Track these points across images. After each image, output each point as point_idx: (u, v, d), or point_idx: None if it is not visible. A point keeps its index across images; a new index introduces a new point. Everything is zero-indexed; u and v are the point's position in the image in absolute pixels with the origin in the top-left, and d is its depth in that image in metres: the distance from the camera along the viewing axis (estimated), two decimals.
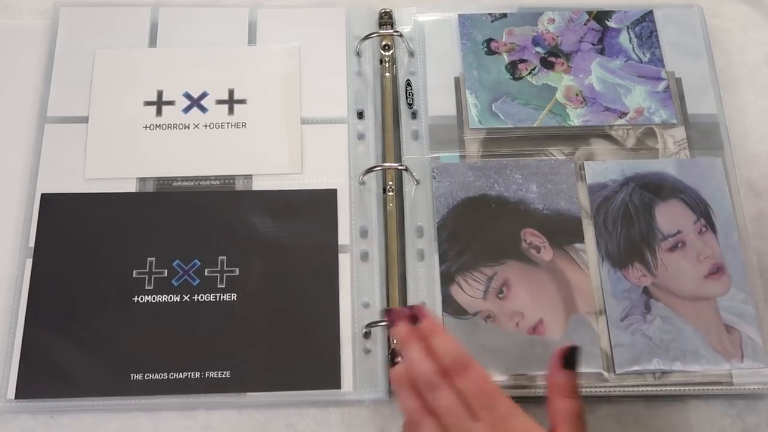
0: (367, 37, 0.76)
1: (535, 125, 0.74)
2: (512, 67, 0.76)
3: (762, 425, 0.65)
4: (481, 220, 0.69)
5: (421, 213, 0.70)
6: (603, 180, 0.71)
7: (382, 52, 0.77)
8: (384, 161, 0.73)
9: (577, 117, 0.74)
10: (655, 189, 0.70)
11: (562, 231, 0.69)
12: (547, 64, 0.76)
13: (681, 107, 0.75)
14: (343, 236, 0.70)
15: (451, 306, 0.66)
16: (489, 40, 0.77)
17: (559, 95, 0.75)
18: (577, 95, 0.75)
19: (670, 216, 0.69)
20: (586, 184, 0.71)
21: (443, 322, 0.66)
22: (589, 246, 0.69)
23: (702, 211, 0.70)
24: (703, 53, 0.78)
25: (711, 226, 0.69)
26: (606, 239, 0.69)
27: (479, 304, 0.66)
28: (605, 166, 0.72)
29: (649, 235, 0.69)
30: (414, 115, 0.74)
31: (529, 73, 0.76)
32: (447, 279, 0.67)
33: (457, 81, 0.76)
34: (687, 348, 0.65)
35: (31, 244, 0.68)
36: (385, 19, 0.79)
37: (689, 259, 0.68)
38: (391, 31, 0.77)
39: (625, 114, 0.74)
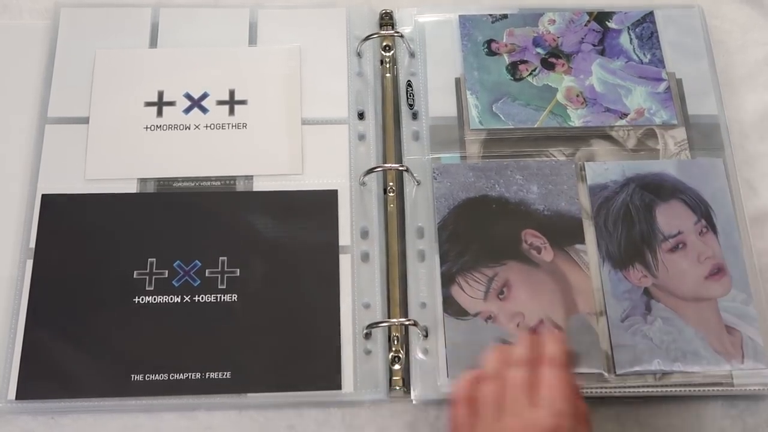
0: (367, 38, 0.76)
1: (535, 126, 0.73)
2: (513, 68, 0.76)
3: (762, 426, 0.65)
4: (482, 220, 0.69)
5: (422, 214, 0.70)
6: (604, 181, 0.71)
7: (382, 52, 0.77)
8: (385, 162, 0.73)
9: (577, 118, 0.74)
10: (655, 190, 0.70)
11: (563, 232, 0.69)
12: (547, 65, 0.76)
13: (681, 108, 0.75)
14: (344, 237, 0.70)
15: (451, 307, 0.66)
16: (490, 41, 0.77)
17: (559, 96, 0.75)
18: (577, 96, 0.75)
19: (670, 217, 0.69)
20: (587, 185, 0.71)
21: (444, 323, 0.66)
22: (590, 247, 0.69)
23: (703, 211, 0.70)
24: (703, 54, 0.78)
25: (712, 226, 0.69)
26: (607, 240, 0.69)
27: (480, 304, 0.66)
28: (606, 167, 0.72)
29: (650, 236, 0.69)
30: (415, 116, 0.74)
31: (530, 73, 0.76)
32: (448, 280, 0.67)
33: (457, 81, 0.76)
34: (687, 349, 0.65)
35: (32, 244, 0.68)
36: (386, 19, 0.79)
37: (690, 259, 0.68)
38: (392, 31, 0.77)
39: (626, 115, 0.74)
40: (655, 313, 0.66)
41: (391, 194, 0.71)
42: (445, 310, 0.66)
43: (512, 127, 0.73)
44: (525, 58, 0.77)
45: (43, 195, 0.70)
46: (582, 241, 0.69)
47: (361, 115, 0.75)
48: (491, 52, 0.77)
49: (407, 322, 0.66)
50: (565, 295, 0.67)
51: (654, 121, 0.74)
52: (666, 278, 0.67)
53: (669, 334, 0.65)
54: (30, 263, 0.67)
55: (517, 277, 0.67)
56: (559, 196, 0.70)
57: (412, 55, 0.77)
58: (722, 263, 0.68)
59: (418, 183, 0.71)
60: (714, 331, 0.66)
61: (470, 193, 0.70)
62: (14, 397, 0.63)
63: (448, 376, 0.65)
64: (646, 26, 0.78)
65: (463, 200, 0.70)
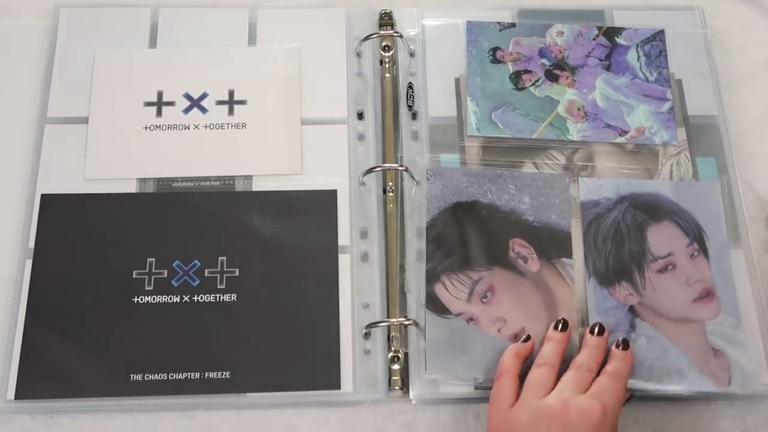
0: (367, 38, 0.76)
1: (533, 137, 0.73)
2: (516, 77, 0.76)
3: (762, 426, 0.65)
4: (471, 224, 0.69)
5: (421, 213, 0.70)
6: (596, 197, 0.70)
7: (382, 52, 0.77)
8: (384, 162, 0.73)
9: (576, 132, 0.73)
10: (649, 210, 0.70)
11: (551, 244, 0.68)
12: (551, 77, 0.76)
13: (681, 108, 0.75)
14: (343, 237, 0.70)
15: (433, 304, 0.66)
16: (495, 49, 0.77)
17: (560, 108, 0.74)
18: (579, 110, 0.74)
19: (662, 237, 0.68)
20: (579, 200, 0.70)
21: (425, 318, 0.65)
22: (577, 261, 0.68)
23: (695, 235, 0.69)
24: (703, 54, 0.78)
25: (703, 250, 0.68)
26: (595, 256, 0.68)
27: (462, 305, 0.66)
28: (600, 183, 0.71)
29: (639, 255, 0.68)
30: (414, 116, 0.74)
31: (533, 84, 0.75)
32: (432, 278, 0.67)
33: (457, 82, 0.76)
34: (672, 368, 0.64)
35: (31, 244, 0.68)
36: (385, 19, 0.79)
37: (679, 282, 0.67)
38: (391, 32, 0.77)
39: (626, 132, 0.73)
40: (639, 331, 0.65)
41: (391, 194, 0.71)
42: (427, 306, 0.66)
43: (509, 136, 0.73)
44: (529, 68, 0.76)
45: (42, 195, 0.70)
46: (569, 255, 0.68)
47: (360, 115, 0.75)
48: (495, 60, 0.76)
49: (406, 322, 0.66)
50: (548, 306, 0.66)
51: (654, 141, 0.73)
52: (653, 298, 0.66)
53: (653, 352, 0.64)
54: (29, 263, 0.67)
55: (501, 283, 0.67)
56: (551, 209, 0.69)
57: (411, 55, 0.77)
58: (711, 288, 0.67)
59: (418, 183, 0.71)
60: (700, 353, 0.65)
61: (462, 198, 0.70)
62: (13, 397, 0.63)
63: (426, 370, 0.64)
64: (655, 44, 0.77)
65: (454, 203, 0.70)
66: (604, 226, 0.69)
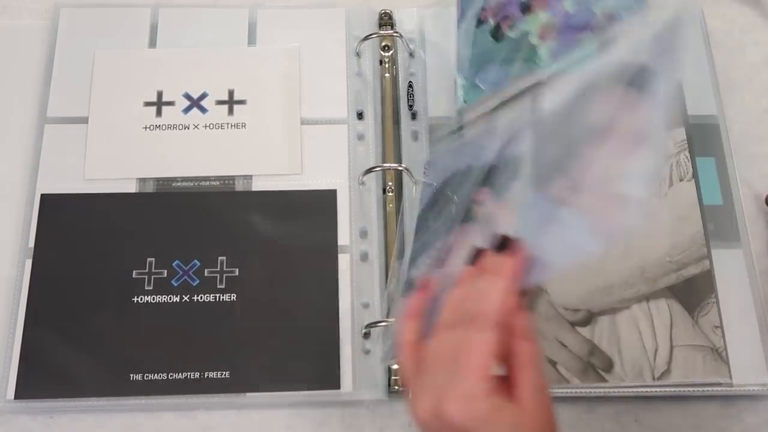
0: (366, 38, 0.76)
1: (509, 83, 0.67)
2: (496, 30, 0.71)
3: (762, 426, 0.65)
4: (444, 200, 0.60)
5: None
6: (559, 97, 0.53)
7: (381, 52, 0.77)
8: (384, 162, 0.73)
9: (547, 53, 0.68)
10: (597, 86, 0.52)
11: (506, 175, 0.55)
12: (525, 9, 0.70)
13: (681, 108, 0.75)
14: (343, 237, 0.70)
15: (410, 290, 0.58)
16: (479, 12, 0.73)
17: (532, 38, 0.68)
18: (550, 30, 0.68)
19: (602, 107, 0.50)
20: (543, 112, 0.55)
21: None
22: (523, 177, 0.54)
23: (634, 78, 0.49)
24: (703, 54, 0.78)
25: (642, 88, 0.49)
26: (539, 161, 0.53)
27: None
28: (561, 80, 0.53)
29: (578, 137, 0.51)
30: (414, 116, 0.74)
31: (510, 28, 0.70)
32: (410, 267, 0.60)
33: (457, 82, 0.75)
34: (565, 244, 0.49)
35: (31, 244, 0.68)
36: (385, 19, 0.79)
37: (613, 145, 0.49)
38: (391, 31, 0.77)
39: (594, 25, 0.66)
40: (554, 221, 0.50)
41: (390, 194, 0.71)
42: (403, 296, 0.60)
43: (489, 95, 0.68)
44: (507, 14, 0.71)
45: (42, 195, 0.70)
46: (516, 176, 0.54)
47: (360, 115, 0.75)
48: (479, 23, 0.73)
49: None
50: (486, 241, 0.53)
51: (621, 17, 0.65)
52: (583, 178, 0.50)
53: (554, 241, 0.50)
54: (29, 263, 0.67)
55: (457, 239, 0.56)
56: (516, 140, 0.55)
57: (411, 55, 0.77)
58: (643, 130, 0.47)
59: (417, 183, 0.71)
60: (603, 210, 0.48)
61: (446, 175, 0.61)
62: (13, 397, 0.63)
63: (386, 359, 0.63)
64: None
65: (440, 184, 0.61)
66: (554, 123, 0.54)
